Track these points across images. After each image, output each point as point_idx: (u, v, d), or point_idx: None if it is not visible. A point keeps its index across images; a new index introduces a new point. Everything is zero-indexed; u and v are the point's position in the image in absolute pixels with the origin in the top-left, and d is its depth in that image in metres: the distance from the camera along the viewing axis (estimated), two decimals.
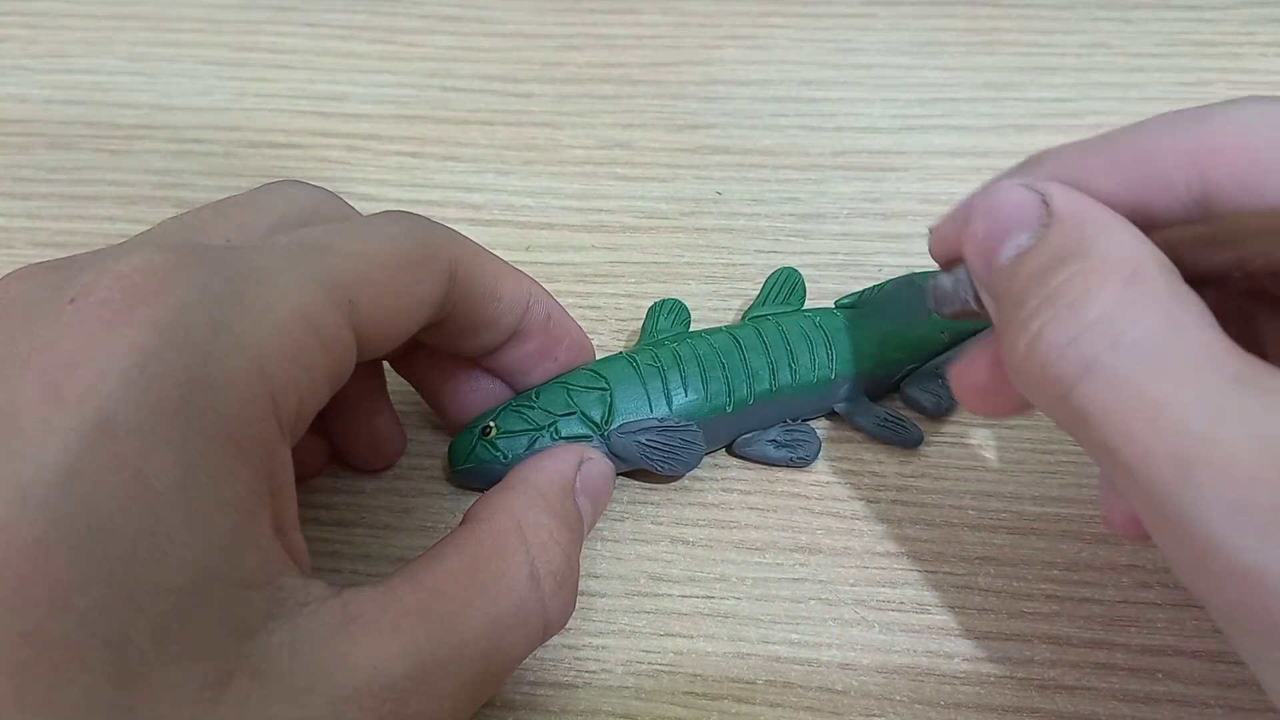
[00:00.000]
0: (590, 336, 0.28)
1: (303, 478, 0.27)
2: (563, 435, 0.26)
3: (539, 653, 0.24)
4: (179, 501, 0.17)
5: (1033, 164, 0.22)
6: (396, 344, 0.23)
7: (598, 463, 0.25)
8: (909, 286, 0.28)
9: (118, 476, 0.17)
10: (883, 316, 0.29)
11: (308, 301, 0.20)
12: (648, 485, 0.27)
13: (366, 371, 0.27)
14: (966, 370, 0.23)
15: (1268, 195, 0.19)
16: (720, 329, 0.28)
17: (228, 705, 0.17)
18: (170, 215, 0.24)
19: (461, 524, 0.23)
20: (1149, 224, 0.20)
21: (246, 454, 0.18)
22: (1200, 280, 0.19)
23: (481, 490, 0.26)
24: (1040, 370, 0.19)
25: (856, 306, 0.29)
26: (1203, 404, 0.17)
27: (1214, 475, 0.16)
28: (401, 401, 0.29)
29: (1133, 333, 0.18)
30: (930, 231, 0.24)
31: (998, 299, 0.20)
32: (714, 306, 0.31)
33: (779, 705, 0.24)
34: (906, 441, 0.28)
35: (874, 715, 0.24)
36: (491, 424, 0.26)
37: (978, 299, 0.22)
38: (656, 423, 0.26)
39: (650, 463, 0.26)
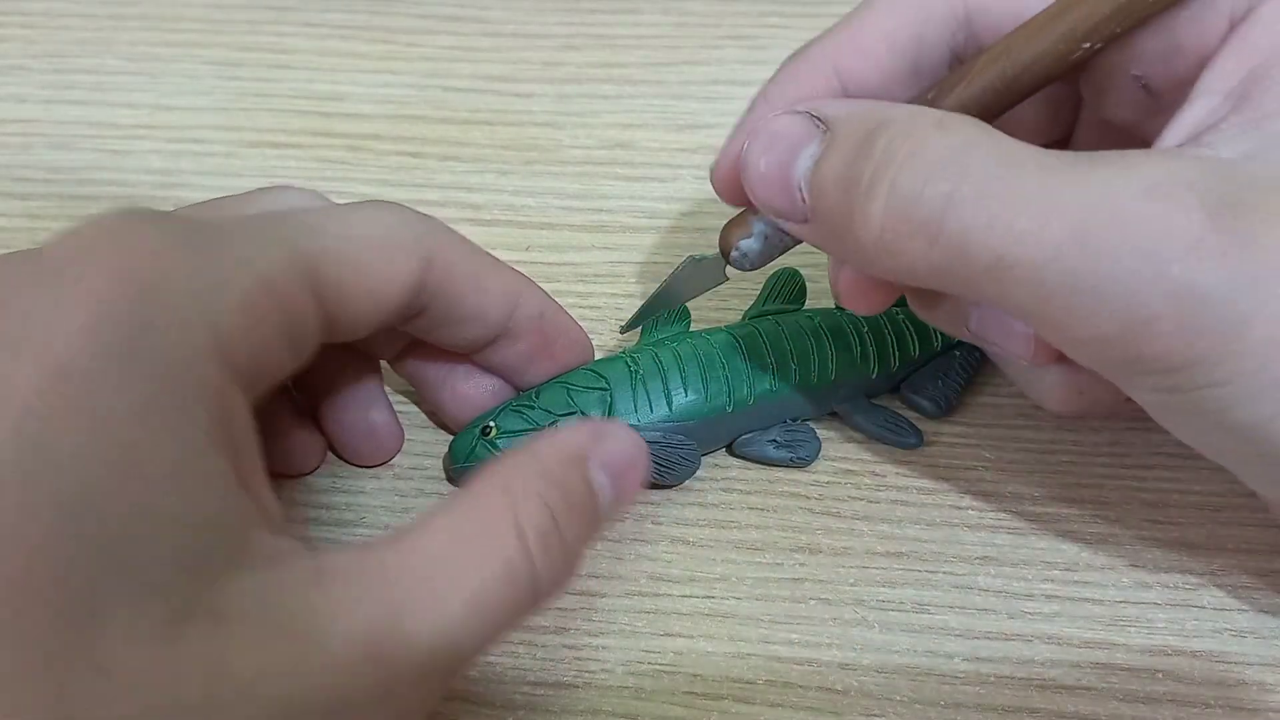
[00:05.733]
0: (590, 337, 0.28)
1: (301, 473, 0.27)
2: None
3: (539, 653, 0.24)
4: (132, 442, 0.17)
5: (794, 69, 0.24)
6: (372, 325, 0.23)
7: (622, 439, 0.23)
8: (691, 265, 0.27)
9: (73, 419, 0.17)
10: (673, 303, 0.28)
11: (259, 258, 0.20)
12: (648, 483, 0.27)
13: (362, 367, 0.27)
14: (847, 270, 0.23)
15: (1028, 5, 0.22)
16: (720, 329, 0.28)
17: (186, 642, 0.17)
18: None
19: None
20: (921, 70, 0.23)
21: (199, 398, 0.18)
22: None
23: None
24: (904, 223, 0.19)
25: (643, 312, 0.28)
26: (1075, 186, 0.18)
27: (1118, 234, 0.18)
28: (402, 402, 0.29)
29: (975, 155, 0.19)
30: (713, 174, 0.25)
31: (814, 211, 0.21)
32: (714, 306, 0.31)
33: (779, 705, 0.24)
34: (906, 442, 0.28)
35: (874, 715, 0.24)
36: (491, 424, 0.26)
37: (780, 236, 0.23)
38: (660, 435, 0.26)
39: None
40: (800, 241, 0.23)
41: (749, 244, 0.23)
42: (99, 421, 0.17)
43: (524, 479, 0.21)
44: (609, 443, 0.23)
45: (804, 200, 0.21)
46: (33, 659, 0.16)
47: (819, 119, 0.21)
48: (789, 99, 0.23)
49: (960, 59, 0.24)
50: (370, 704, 0.18)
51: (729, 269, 0.24)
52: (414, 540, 0.20)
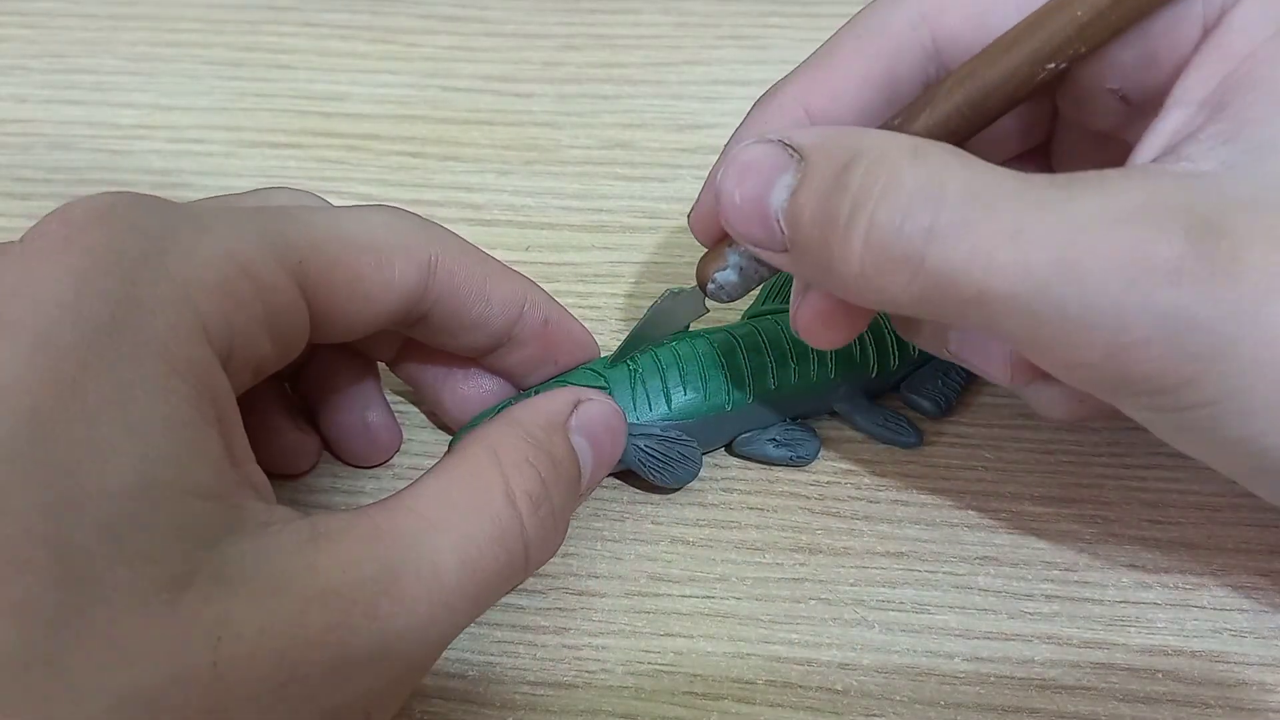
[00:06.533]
0: None
1: (295, 474, 0.27)
2: None
3: (539, 653, 0.24)
4: (117, 413, 0.17)
5: (764, 111, 0.23)
6: (368, 328, 0.23)
7: (599, 405, 0.24)
8: (670, 299, 0.26)
9: (56, 390, 0.17)
10: (656, 335, 0.27)
11: (241, 246, 0.20)
12: (648, 484, 0.27)
13: (358, 368, 0.27)
14: (807, 305, 0.23)
15: (992, 27, 0.22)
16: (720, 328, 0.28)
17: (187, 606, 0.17)
18: None
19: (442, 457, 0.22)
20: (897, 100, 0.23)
21: (182, 374, 0.19)
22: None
23: None
24: (884, 258, 0.19)
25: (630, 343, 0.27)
26: (1055, 216, 0.18)
27: (1101, 262, 0.18)
28: (401, 402, 0.29)
29: (952, 187, 0.18)
30: (690, 219, 0.24)
31: (792, 243, 0.20)
32: (714, 306, 0.31)
33: (779, 705, 0.24)
34: (906, 442, 0.28)
35: (874, 715, 0.24)
36: None
37: (756, 266, 0.23)
38: (658, 431, 0.26)
39: (645, 469, 0.26)
40: (778, 270, 0.23)
41: (725, 276, 0.23)
42: (83, 393, 0.17)
43: (512, 444, 0.22)
44: (586, 409, 0.24)
45: (782, 231, 0.20)
46: (31, 627, 0.16)
47: (791, 147, 0.20)
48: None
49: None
50: (369, 662, 0.18)
51: (708, 300, 0.24)
52: (407, 503, 0.20)
